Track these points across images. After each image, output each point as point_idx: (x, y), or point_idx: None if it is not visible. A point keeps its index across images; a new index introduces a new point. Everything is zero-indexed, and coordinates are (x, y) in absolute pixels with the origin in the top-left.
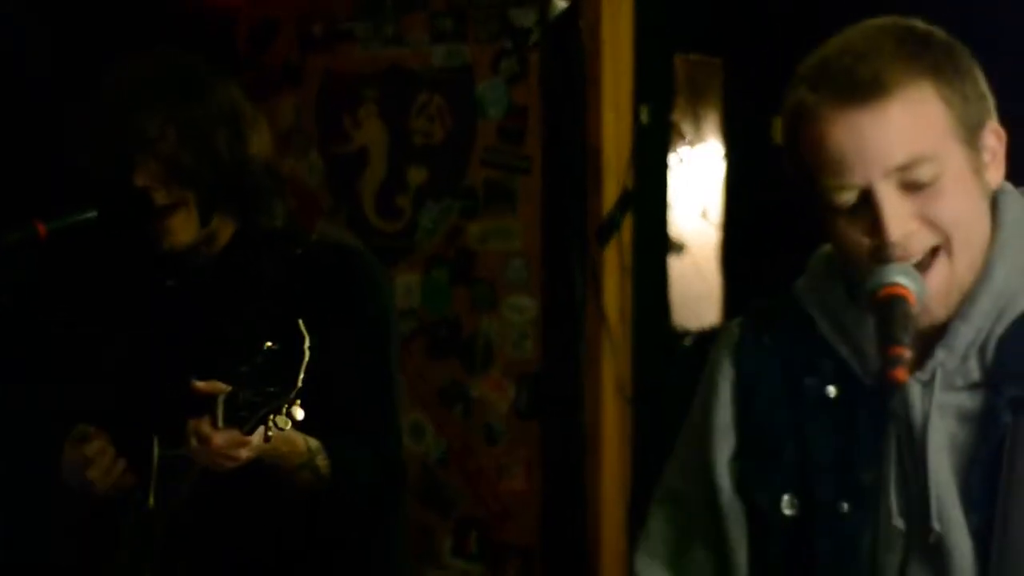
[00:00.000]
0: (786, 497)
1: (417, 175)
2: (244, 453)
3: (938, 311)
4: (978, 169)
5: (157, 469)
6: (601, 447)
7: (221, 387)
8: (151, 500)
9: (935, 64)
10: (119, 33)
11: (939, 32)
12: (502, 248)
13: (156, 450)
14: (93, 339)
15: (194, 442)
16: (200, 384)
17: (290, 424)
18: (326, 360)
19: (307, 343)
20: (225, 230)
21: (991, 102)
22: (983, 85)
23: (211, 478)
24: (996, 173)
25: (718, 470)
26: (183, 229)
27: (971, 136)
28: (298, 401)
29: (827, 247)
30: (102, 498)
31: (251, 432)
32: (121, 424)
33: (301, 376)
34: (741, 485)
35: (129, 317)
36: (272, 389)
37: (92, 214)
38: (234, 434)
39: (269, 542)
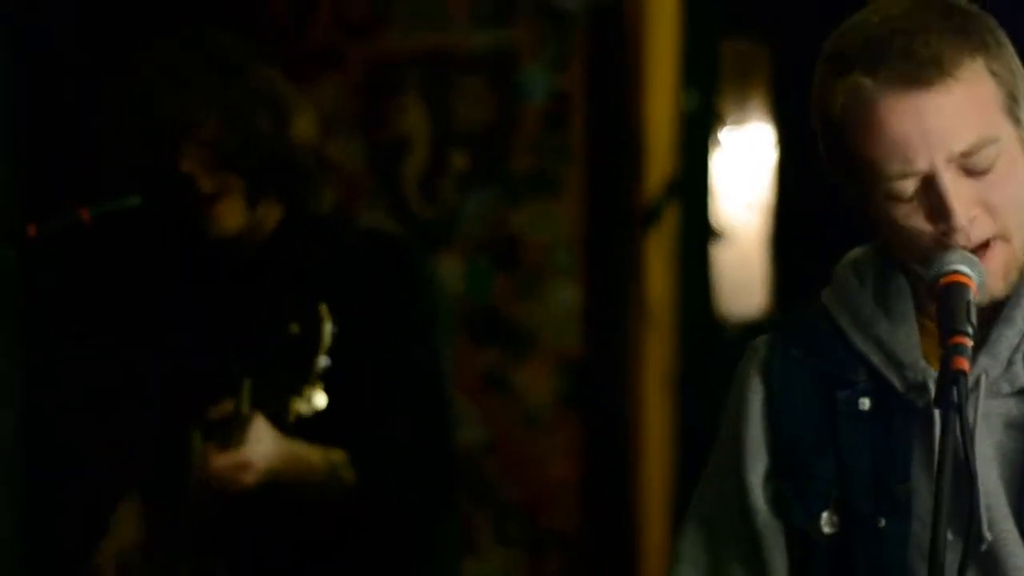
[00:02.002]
0: (825, 515)
1: (459, 161)
2: (248, 477)
3: (996, 287)
4: None
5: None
6: (644, 435)
7: None
8: (191, 487)
9: (982, 39)
10: (154, 14)
11: (971, 5)
12: (545, 235)
13: (197, 442)
14: (136, 330)
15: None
16: None
17: (310, 410)
18: (373, 357)
19: (327, 327)
20: (271, 215)
21: None
22: (1017, 58)
23: None
24: None
25: (752, 491)
26: (230, 215)
27: (1017, 110)
28: (319, 386)
29: (853, 254)
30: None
31: (274, 418)
32: (163, 415)
33: (319, 361)
34: (778, 504)
35: (174, 306)
36: (292, 373)
37: (136, 200)
38: (235, 456)
39: (303, 536)
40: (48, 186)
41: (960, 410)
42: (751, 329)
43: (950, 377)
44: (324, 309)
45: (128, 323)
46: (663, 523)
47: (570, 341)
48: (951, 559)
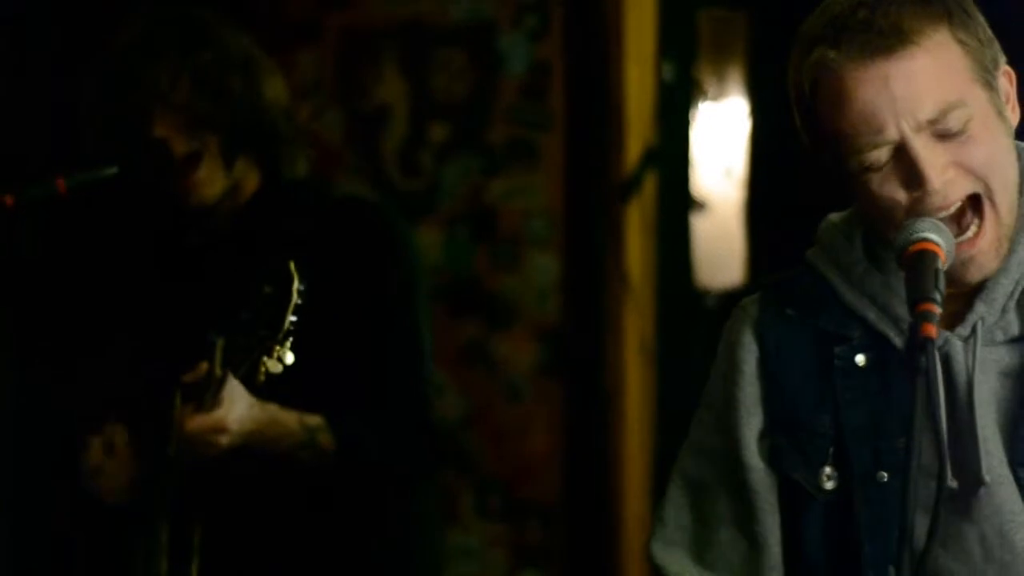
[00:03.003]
0: (826, 470)
1: (438, 132)
2: (223, 439)
3: (990, 264)
4: (1000, 110)
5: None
6: (623, 406)
7: None
8: (171, 450)
9: (946, 8)
10: None
11: None
12: (524, 206)
13: (178, 402)
14: (117, 297)
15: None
16: None
17: (280, 368)
18: (353, 322)
19: (296, 285)
20: (249, 181)
21: (998, 44)
22: (988, 28)
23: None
24: (1013, 114)
25: (747, 449)
26: (209, 183)
27: (990, 78)
28: (288, 344)
29: (834, 216)
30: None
31: (246, 378)
32: (144, 378)
33: (288, 319)
34: (776, 462)
35: (153, 274)
36: (263, 333)
37: (112, 169)
38: (210, 419)
39: (280, 501)
40: (24, 158)
41: (927, 375)
42: (729, 299)
43: (918, 344)
44: (292, 267)
45: (108, 292)
46: (643, 493)
47: (549, 312)
48: (950, 506)
